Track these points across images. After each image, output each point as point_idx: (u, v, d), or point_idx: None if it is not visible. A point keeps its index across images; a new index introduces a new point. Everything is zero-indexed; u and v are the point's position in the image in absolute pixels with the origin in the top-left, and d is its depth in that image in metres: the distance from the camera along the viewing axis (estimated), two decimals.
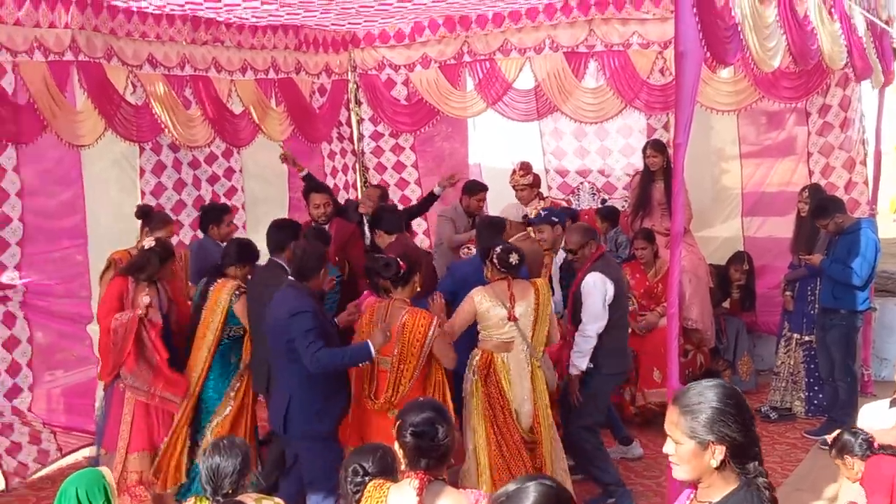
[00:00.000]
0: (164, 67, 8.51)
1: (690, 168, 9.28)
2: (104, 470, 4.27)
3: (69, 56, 7.68)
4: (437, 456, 3.57)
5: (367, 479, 3.72)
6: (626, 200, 9.86)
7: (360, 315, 6.16)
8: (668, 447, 2.97)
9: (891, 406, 6.32)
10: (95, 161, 8.39)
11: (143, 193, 8.89)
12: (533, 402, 6.28)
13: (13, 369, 7.67)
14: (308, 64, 10.23)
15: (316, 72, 10.40)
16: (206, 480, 4.28)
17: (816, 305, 8.41)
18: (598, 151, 10.62)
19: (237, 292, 6.64)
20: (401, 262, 5.88)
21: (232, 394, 6.71)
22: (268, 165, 10.03)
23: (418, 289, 6.04)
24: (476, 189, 9.04)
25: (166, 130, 8.48)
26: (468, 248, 7.83)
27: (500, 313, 6.16)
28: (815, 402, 8.57)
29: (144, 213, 7.71)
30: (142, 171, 8.90)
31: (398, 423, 3.61)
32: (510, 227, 7.76)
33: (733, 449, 2.88)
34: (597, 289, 6.57)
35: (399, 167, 11.29)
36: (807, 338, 8.50)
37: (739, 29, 5.53)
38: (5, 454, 7.50)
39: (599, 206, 9.78)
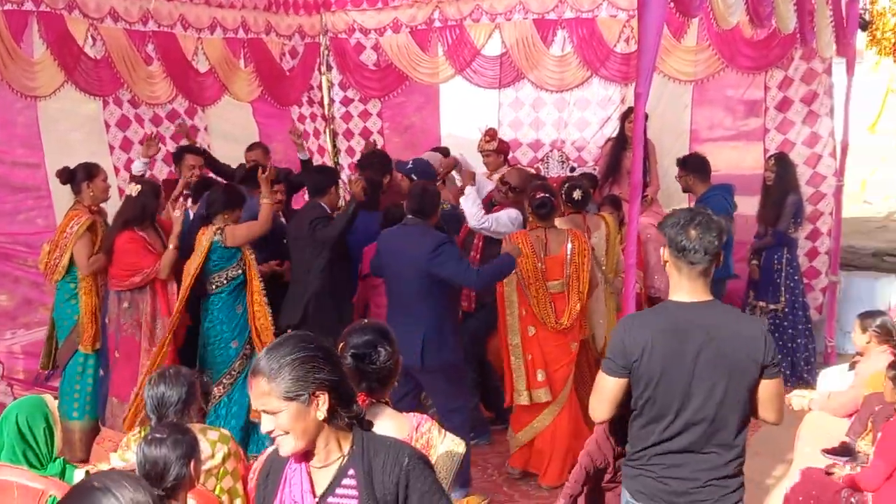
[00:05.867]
0: (126, 22, 8.36)
1: (664, 144, 9.44)
2: (47, 398, 4.25)
3: (29, 6, 7.54)
4: (377, 378, 3.51)
5: None
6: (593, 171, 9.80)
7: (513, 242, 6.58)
8: (266, 424, 2.73)
9: (849, 369, 6.37)
10: (57, 116, 8.20)
11: (111, 148, 8.74)
12: (607, 324, 7.04)
13: None
14: (279, 25, 10.15)
15: (287, 34, 10.32)
16: (151, 409, 4.31)
17: (783, 274, 8.48)
18: (554, 124, 10.60)
19: (219, 231, 6.65)
20: (553, 200, 6.66)
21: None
22: (237, 125, 9.88)
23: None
24: (441, 153, 8.99)
25: (126, 86, 8.36)
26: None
27: None
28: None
29: (71, 175, 7.09)
30: (107, 126, 8.73)
31: (341, 344, 3.55)
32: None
33: (336, 393, 2.74)
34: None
35: (366, 133, 11.20)
36: (772, 306, 8.54)
37: None
38: None
39: (569, 174, 9.72)
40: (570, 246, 6.61)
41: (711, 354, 3.74)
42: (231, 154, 8.94)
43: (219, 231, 6.65)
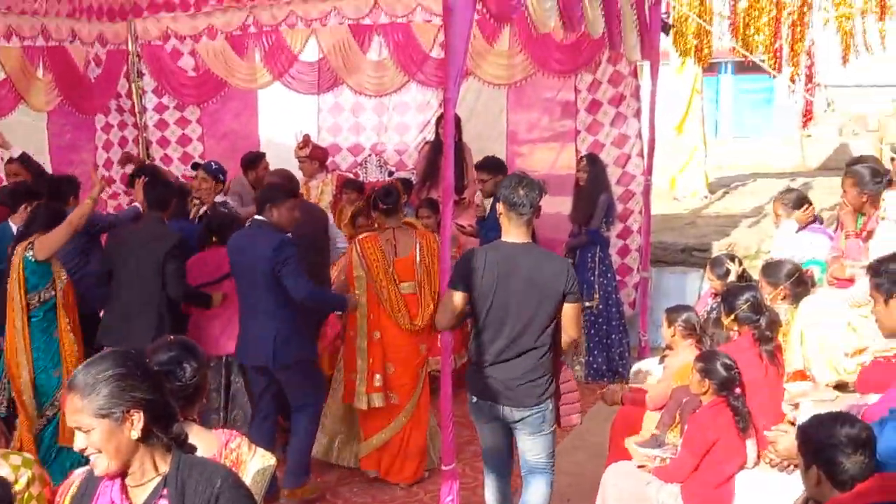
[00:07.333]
0: None
1: (483, 146, 9.56)
2: None
3: None
4: (184, 396, 3.42)
5: None
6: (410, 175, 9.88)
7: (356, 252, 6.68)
8: (79, 442, 2.68)
9: (660, 363, 6.60)
10: None
11: None
12: None
13: None
14: (82, 32, 9.77)
15: (90, 41, 9.95)
16: None
17: (596, 272, 8.72)
18: (374, 128, 10.68)
19: (30, 246, 6.34)
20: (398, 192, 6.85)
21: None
22: (27, 138, 9.41)
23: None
24: (256, 160, 8.88)
25: None
26: None
27: None
28: (595, 366, 8.85)
29: None
30: None
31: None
32: None
33: (152, 412, 2.71)
34: None
35: (184, 141, 10.95)
36: (587, 303, 8.74)
37: None
38: None
39: (387, 178, 9.77)
40: (418, 247, 6.70)
41: (528, 281, 5.02)
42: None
43: (30, 246, 6.36)
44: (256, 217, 6.35)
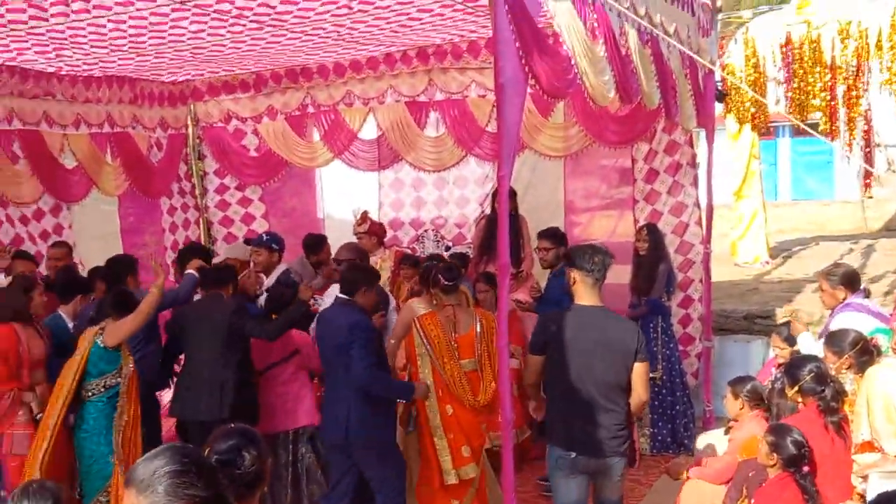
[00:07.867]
0: None
1: (541, 217, 9.60)
2: None
3: None
4: (244, 483, 3.44)
5: None
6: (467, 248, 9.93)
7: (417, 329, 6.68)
8: None
9: (725, 434, 6.51)
10: None
11: None
12: None
13: None
14: (144, 118, 10.06)
15: (151, 126, 10.23)
16: None
17: (659, 342, 8.64)
18: (435, 202, 10.78)
19: (100, 331, 6.33)
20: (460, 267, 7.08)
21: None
22: (101, 223, 9.78)
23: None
24: (320, 244, 8.97)
25: None
26: (314, 299, 7.75)
27: None
28: (660, 438, 8.72)
29: None
30: None
31: (206, 449, 3.48)
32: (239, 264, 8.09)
33: None
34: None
35: (248, 219, 11.15)
36: (651, 374, 8.63)
37: (574, 63, 5.66)
38: None
39: (444, 252, 9.82)
40: (478, 326, 6.72)
41: (602, 341, 5.35)
42: (100, 253, 8.76)
43: (100, 331, 6.33)
44: (340, 295, 6.47)
